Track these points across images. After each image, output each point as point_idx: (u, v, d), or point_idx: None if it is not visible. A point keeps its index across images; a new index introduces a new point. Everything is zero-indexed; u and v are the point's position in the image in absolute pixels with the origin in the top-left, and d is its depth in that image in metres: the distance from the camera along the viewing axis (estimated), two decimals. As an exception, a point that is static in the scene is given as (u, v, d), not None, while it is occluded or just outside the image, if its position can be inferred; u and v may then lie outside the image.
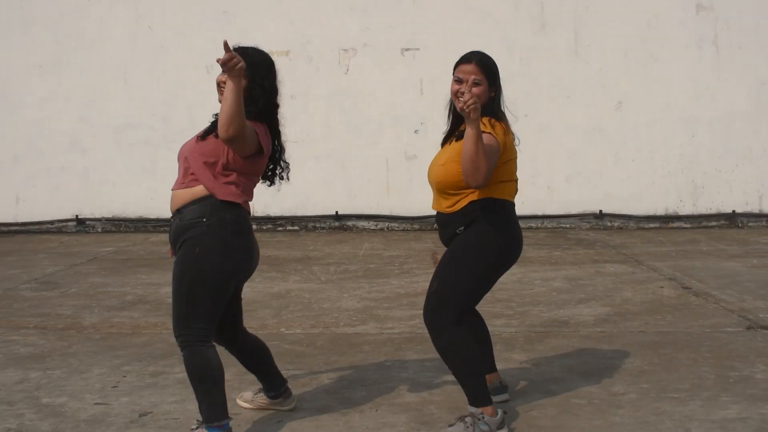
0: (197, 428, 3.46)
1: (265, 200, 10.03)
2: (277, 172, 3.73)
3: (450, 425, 3.58)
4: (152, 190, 10.62)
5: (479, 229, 3.64)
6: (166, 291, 6.81)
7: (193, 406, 3.98)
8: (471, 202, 3.64)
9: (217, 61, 3.16)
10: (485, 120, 3.57)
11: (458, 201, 3.67)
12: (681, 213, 10.52)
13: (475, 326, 3.96)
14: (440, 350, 3.62)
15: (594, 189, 10.49)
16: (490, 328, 5.36)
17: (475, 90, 3.56)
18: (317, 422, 3.78)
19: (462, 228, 3.66)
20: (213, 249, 3.36)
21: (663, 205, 10.53)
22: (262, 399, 3.97)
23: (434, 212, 3.81)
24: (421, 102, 10.39)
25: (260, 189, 3.77)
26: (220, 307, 3.44)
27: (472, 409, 3.55)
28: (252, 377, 4.40)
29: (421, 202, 10.61)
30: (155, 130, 10.59)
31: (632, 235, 9.87)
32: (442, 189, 3.70)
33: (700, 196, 10.51)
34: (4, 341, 5.26)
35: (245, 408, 3.97)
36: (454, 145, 3.67)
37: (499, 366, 4.55)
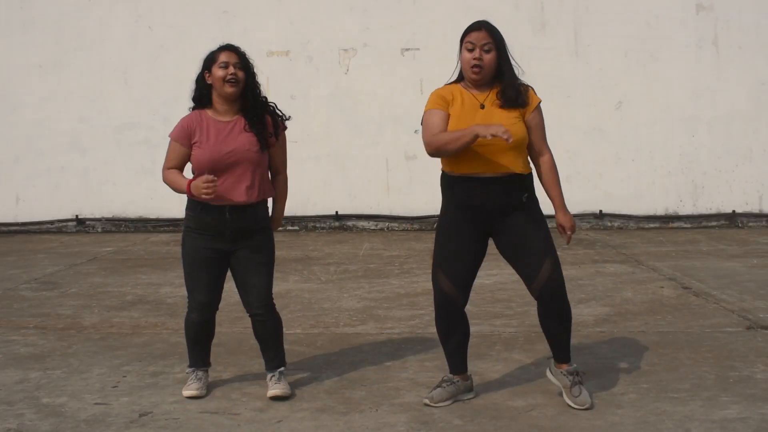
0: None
1: (265, 200, 10.04)
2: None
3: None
4: (152, 190, 10.62)
5: (536, 200, 3.92)
6: (166, 291, 6.81)
7: (192, 406, 4.00)
8: (530, 174, 3.89)
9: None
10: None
11: (526, 167, 3.88)
12: (681, 213, 10.52)
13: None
14: (570, 316, 3.95)
15: (594, 189, 10.49)
16: (490, 328, 5.39)
17: (486, 56, 3.85)
18: (317, 422, 3.78)
19: (527, 195, 3.86)
20: None
21: (663, 205, 10.53)
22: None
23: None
24: (421, 102, 10.25)
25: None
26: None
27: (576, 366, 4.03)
28: (251, 375, 4.41)
29: (421, 202, 10.63)
30: (155, 130, 10.57)
31: (632, 235, 9.87)
32: (521, 147, 3.85)
33: (700, 196, 10.51)
34: (4, 341, 5.26)
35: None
36: (502, 111, 3.84)
37: (498, 366, 4.57)
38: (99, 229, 10.80)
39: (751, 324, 5.39)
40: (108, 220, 10.81)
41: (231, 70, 3.94)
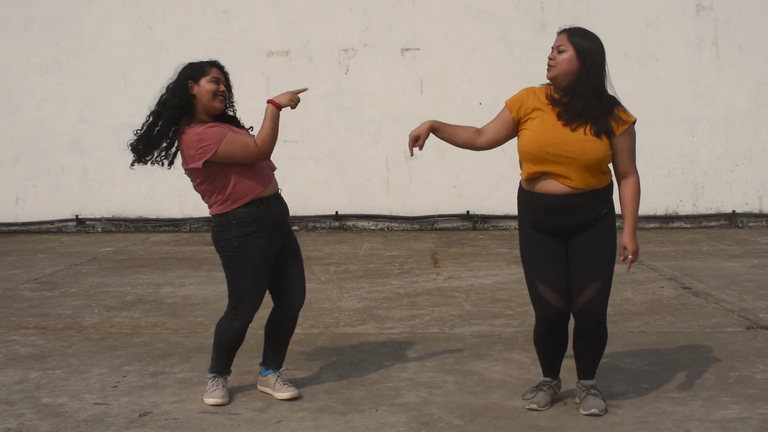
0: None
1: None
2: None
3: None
4: (152, 190, 10.62)
5: (613, 214, 3.80)
6: (166, 291, 6.81)
7: (192, 406, 4.00)
8: (609, 184, 3.77)
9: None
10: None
11: (603, 180, 3.74)
12: (681, 213, 10.52)
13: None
14: (603, 342, 3.88)
15: (594, 189, 10.48)
16: (490, 328, 5.39)
17: (559, 57, 3.65)
18: (317, 422, 3.78)
19: (606, 210, 3.76)
20: None
21: (663, 205, 10.53)
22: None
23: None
24: (421, 102, 10.37)
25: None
26: None
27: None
28: (251, 375, 4.41)
29: (421, 202, 10.63)
30: (155, 130, 10.57)
31: (632, 235, 9.85)
32: (594, 165, 3.67)
33: (700, 196, 10.51)
34: (4, 341, 5.26)
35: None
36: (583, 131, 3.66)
37: (498, 366, 4.56)
38: (99, 229, 10.80)
39: (751, 324, 5.40)
40: (108, 220, 10.81)
41: (222, 87, 3.90)
